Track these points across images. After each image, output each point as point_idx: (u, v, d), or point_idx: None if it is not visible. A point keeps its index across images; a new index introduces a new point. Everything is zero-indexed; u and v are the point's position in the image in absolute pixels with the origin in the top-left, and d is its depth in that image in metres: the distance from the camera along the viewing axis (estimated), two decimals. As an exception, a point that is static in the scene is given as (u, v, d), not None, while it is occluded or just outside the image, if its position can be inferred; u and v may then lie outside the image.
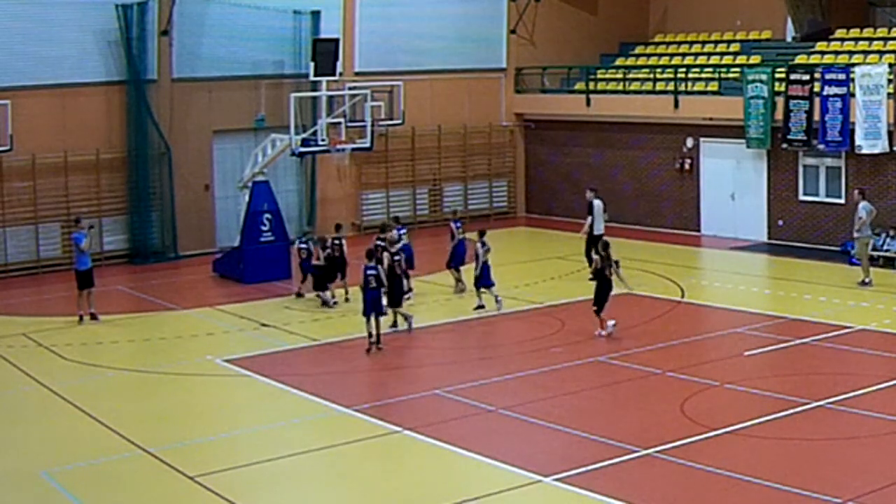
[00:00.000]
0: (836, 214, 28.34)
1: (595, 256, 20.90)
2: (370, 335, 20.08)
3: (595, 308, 20.51)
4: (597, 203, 25.90)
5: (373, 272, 20.08)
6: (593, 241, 24.18)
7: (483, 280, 22.79)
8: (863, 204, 24.56)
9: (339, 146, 27.30)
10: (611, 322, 20.50)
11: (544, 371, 18.59)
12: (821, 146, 28.33)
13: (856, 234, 24.78)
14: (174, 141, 30.13)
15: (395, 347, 20.49)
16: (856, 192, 25.34)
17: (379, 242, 22.46)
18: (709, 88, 31.94)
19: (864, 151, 27.36)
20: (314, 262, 23.68)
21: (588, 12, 37.29)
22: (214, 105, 30.75)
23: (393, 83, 30.27)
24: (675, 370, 18.24)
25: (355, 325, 21.46)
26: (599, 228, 25.65)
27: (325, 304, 23.69)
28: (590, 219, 25.73)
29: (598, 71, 35.74)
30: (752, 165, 30.52)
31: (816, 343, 19.83)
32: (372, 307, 20.02)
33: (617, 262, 20.83)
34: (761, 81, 29.51)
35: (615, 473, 13.80)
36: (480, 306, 22.89)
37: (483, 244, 22.74)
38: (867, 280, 24.27)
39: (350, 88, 27.85)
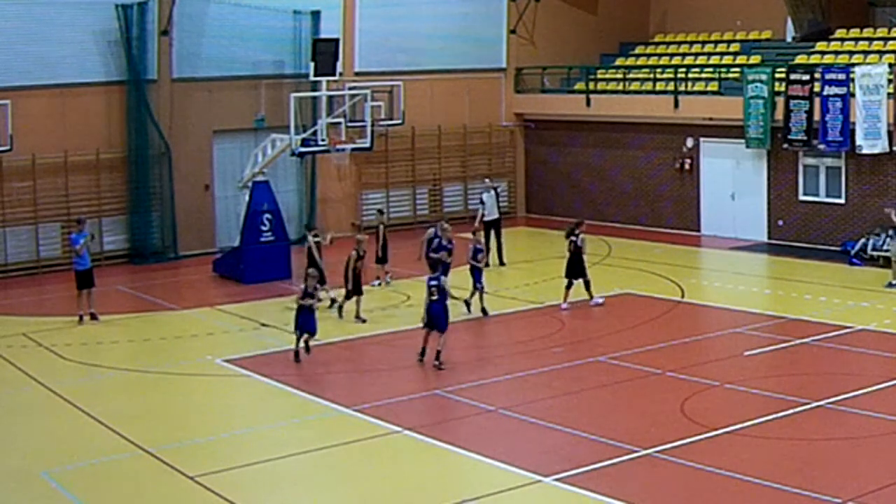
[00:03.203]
0: (836, 214, 28.33)
1: (572, 238, 23.13)
2: (424, 349, 19.00)
3: (568, 280, 22.91)
4: (493, 193, 28.79)
5: (434, 283, 18.74)
6: (489, 228, 27.86)
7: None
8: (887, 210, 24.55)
9: (338, 146, 27.28)
10: (564, 304, 22.76)
11: (544, 371, 18.59)
12: (821, 146, 28.32)
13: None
14: (174, 141, 30.12)
15: (395, 347, 20.49)
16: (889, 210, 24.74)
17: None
18: (709, 88, 31.94)
19: (865, 151, 27.36)
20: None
21: (588, 12, 37.29)
22: (214, 105, 30.73)
23: (393, 83, 30.29)
24: (675, 370, 18.24)
25: (354, 326, 21.54)
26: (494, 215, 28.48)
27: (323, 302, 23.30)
28: (484, 209, 28.17)
29: (598, 71, 35.74)
30: (752, 165, 30.51)
31: (816, 343, 19.82)
32: (434, 322, 18.72)
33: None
34: (761, 81, 29.50)
35: (615, 473, 13.80)
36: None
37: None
38: None
39: (350, 88, 27.84)
